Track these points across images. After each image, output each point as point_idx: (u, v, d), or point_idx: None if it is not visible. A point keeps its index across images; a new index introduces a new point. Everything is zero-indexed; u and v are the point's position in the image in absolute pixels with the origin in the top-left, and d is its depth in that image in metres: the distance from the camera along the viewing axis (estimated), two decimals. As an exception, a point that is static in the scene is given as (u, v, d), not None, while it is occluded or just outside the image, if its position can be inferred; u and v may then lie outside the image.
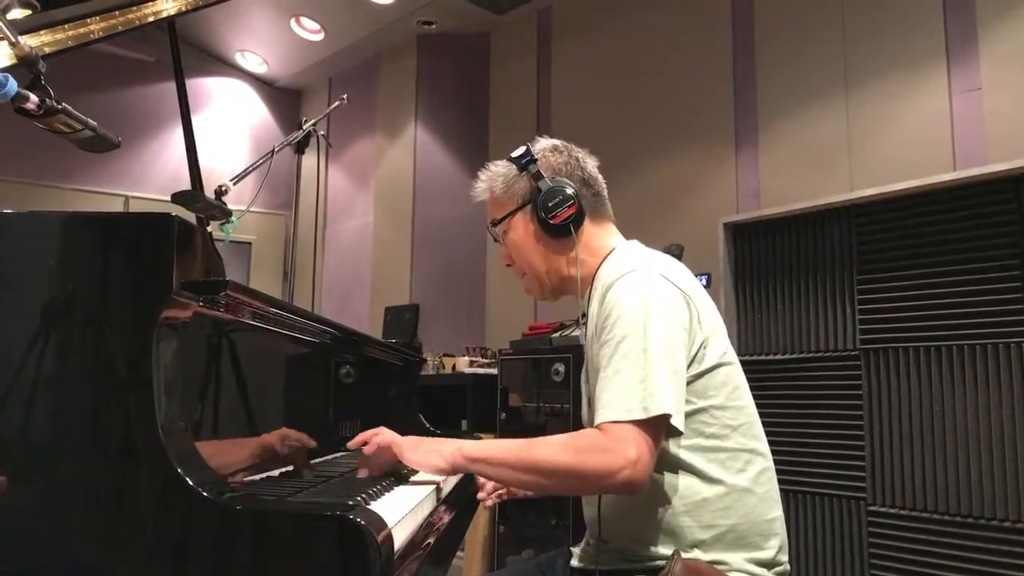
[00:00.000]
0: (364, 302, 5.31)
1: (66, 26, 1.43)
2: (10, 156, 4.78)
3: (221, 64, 5.86)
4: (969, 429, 2.57)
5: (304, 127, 2.62)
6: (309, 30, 5.35)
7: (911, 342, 2.73)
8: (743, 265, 3.28)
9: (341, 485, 1.30)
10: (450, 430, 2.35)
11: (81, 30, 1.47)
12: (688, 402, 1.22)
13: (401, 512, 1.03)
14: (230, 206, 1.99)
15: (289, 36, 5.42)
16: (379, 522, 0.83)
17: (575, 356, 3.43)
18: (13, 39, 1.18)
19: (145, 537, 0.86)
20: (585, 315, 1.41)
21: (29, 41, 1.25)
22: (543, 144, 1.47)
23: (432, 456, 1.25)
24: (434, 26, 5.02)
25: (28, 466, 0.89)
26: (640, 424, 1.13)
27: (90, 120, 1.34)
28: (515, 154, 1.44)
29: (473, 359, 4.30)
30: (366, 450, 1.34)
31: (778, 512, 1.31)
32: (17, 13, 1.68)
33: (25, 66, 1.22)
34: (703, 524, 1.23)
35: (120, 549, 0.87)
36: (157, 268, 0.86)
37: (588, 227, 1.42)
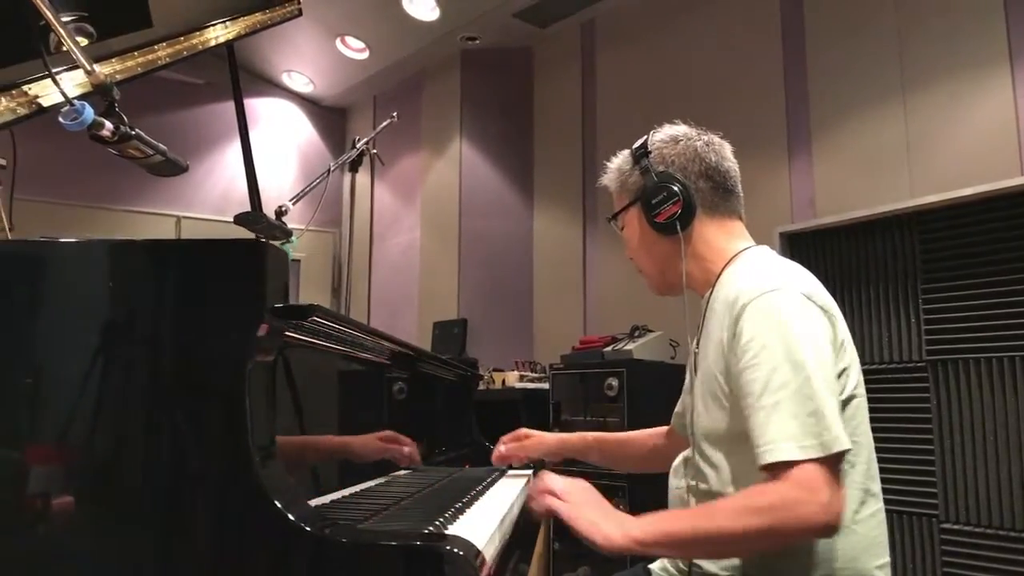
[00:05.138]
0: (412, 317, 5.33)
1: (135, 53, 1.46)
2: (64, 180, 4.88)
3: (268, 85, 5.96)
4: (1047, 443, 2.47)
5: (357, 146, 2.64)
6: (354, 49, 5.41)
7: (980, 353, 2.64)
8: (800, 275, 3.20)
9: (425, 501, 1.28)
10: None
11: (149, 56, 1.49)
12: None
13: (492, 523, 1.02)
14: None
15: (335, 55, 5.49)
16: (473, 550, 0.81)
17: (628, 370, 3.38)
18: (89, 68, 1.20)
19: (231, 566, 0.85)
20: (704, 318, 1.33)
21: (103, 69, 1.27)
22: (663, 134, 1.40)
23: (611, 527, 1.09)
24: (477, 42, 5.04)
25: (116, 497, 0.88)
26: (821, 462, 1.05)
27: (160, 145, 1.36)
28: (635, 145, 1.40)
29: (523, 374, 4.28)
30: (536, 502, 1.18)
31: (886, 558, 1.22)
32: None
33: (100, 94, 1.24)
34: (806, 564, 1.15)
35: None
36: (249, 294, 0.85)
37: (705, 223, 1.35)
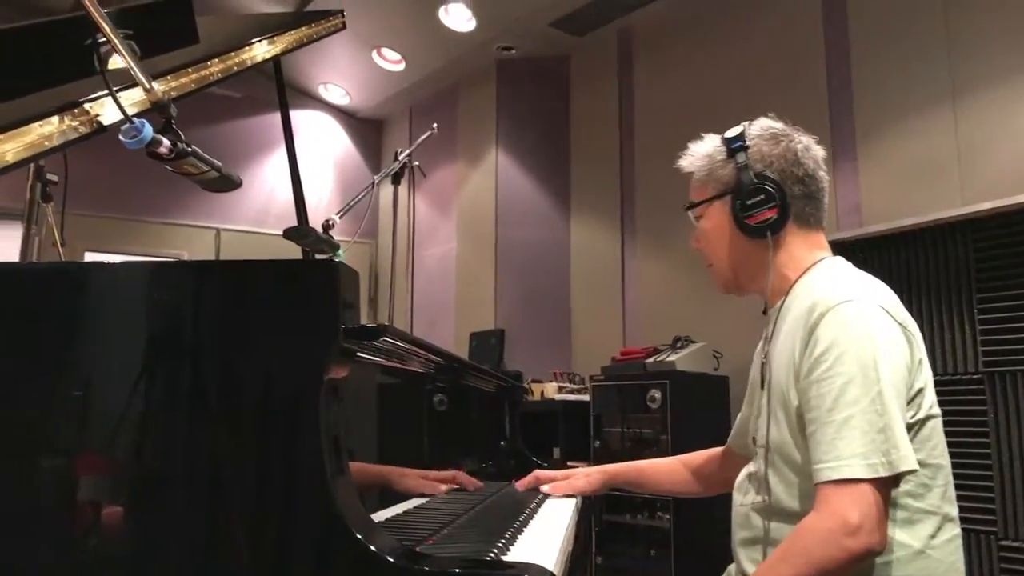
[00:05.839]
0: (449, 328, 5.32)
1: (189, 69, 1.46)
2: (105, 194, 4.96)
3: (305, 97, 6.01)
4: (1113, 458, 2.37)
5: (400, 158, 2.65)
6: (390, 60, 5.44)
7: (1040, 364, 2.55)
8: (847, 285, 3.13)
9: (479, 522, 1.26)
10: (543, 457, 2.31)
11: (203, 72, 1.50)
12: None
13: (555, 546, 1.00)
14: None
15: (371, 67, 5.52)
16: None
17: (672, 382, 3.34)
18: (148, 85, 1.20)
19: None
20: (773, 328, 1.29)
21: (159, 86, 1.27)
22: (760, 129, 1.33)
23: None
24: (513, 51, 5.03)
25: (185, 522, 0.87)
26: (878, 483, 1.03)
27: (215, 161, 1.36)
28: (729, 134, 1.33)
29: (562, 385, 4.25)
30: None
31: None
32: (119, 61, 1.72)
33: (157, 111, 1.24)
34: None
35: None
36: (323, 315, 0.83)
37: (792, 232, 1.29)
